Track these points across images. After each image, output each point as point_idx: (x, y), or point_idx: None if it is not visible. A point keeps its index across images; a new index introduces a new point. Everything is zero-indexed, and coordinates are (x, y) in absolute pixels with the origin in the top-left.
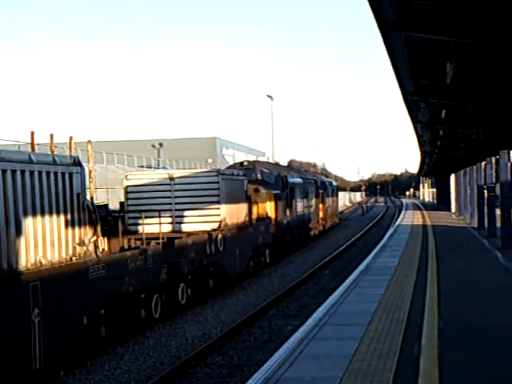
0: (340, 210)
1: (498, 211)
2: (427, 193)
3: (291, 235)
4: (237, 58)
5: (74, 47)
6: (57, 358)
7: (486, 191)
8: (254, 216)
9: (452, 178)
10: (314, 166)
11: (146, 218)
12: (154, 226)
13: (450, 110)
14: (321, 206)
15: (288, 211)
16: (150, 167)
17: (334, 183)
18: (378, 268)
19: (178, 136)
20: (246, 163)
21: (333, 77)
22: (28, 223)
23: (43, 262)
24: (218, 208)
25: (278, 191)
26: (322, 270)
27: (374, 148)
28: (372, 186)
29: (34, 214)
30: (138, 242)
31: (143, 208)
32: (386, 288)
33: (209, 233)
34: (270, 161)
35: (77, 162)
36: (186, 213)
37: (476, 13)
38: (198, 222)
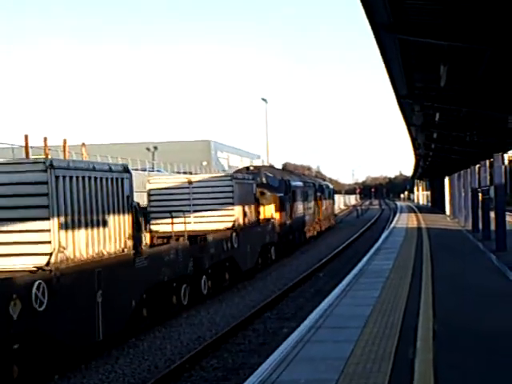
0: (335, 212)
1: (492, 214)
2: (422, 195)
3: (293, 235)
4: (231, 61)
5: (68, 48)
6: (112, 334)
7: (480, 194)
8: (261, 217)
9: (446, 180)
10: (309, 168)
11: (165, 218)
12: (173, 226)
13: (444, 112)
14: (319, 208)
15: (290, 213)
16: (145, 170)
17: (331, 186)
18: (373, 270)
19: (172, 139)
20: (251, 168)
21: (327, 80)
22: (92, 220)
23: (104, 252)
24: (232, 209)
25: (282, 194)
26: (317, 273)
27: (368, 151)
28: (366, 189)
29: (97, 213)
30: (160, 240)
31: (164, 209)
32: (381, 290)
33: (226, 231)
34: (265, 163)
35: (126, 170)
36: (203, 213)
37: (469, 16)
38: (214, 221)
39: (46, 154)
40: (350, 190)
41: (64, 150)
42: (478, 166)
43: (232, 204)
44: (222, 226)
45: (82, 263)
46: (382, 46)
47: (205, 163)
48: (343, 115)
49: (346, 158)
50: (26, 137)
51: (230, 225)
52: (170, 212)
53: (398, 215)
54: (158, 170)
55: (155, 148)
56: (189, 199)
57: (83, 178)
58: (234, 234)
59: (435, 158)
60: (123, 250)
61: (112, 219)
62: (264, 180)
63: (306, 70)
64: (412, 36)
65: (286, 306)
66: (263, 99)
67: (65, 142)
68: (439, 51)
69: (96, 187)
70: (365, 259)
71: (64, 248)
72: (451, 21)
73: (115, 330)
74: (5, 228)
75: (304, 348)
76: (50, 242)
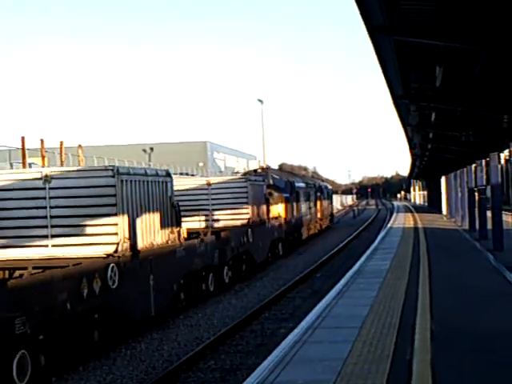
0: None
1: (489, 213)
2: (418, 195)
3: (298, 232)
4: (227, 62)
5: (64, 49)
6: (160, 312)
7: (476, 193)
8: (270, 215)
9: (443, 180)
10: (305, 169)
11: (188, 216)
12: (194, 223)
13: (440, 112)
14: (319, 207)
15: (295, 211)
16: None
17: (329, 187)
18: (370, 271)
19: (168, 140)
20: (259, 170)
21: (323, 80)
22: (145, 216)
23: (154, 243)
24: (247, 207)
25: (287, 194)
26: (314, 273)
27: (364, 151)
28: (363, 189)
29: (148, 210)
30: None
31: (186, 208)
32: (378, 291)
33: (243, 226)
34: (262, 164)
35: (168, 174)
36: (221, 212)
37: (465, 17)
38: (231, 219)
39: (43, 156)
40: (346, 191)
41: (61, 152)
42: (474, 165)
43: (247, 203)
44: (238, 223)
45: (140, 251)
46: (378, 48)
47: (201, 164)
48: (339, 116)
49: (343, 158)
50: (23, 139)
51: (245, 221)
52: (191, 211)
53: (394, 215)
54: None
55: (151, 149)
56: (208, 199)
57: (139, 181)
58: (250, 230)
59: (431, 157)
60: (167, 242)
61: (159, 216)
62: (271, 181)
63: (302, 71)
64: (407, 37)
65: (284, 307)
66: (259, 100)
67: (61, 143)
68: (435, 52)
69: (148, 189)
70: (362, 259)
71: (127, 239)
72: (446, 22)
73: (162, 309)
74: (80, 222)
75: (302, 349)
76: (117, 234)
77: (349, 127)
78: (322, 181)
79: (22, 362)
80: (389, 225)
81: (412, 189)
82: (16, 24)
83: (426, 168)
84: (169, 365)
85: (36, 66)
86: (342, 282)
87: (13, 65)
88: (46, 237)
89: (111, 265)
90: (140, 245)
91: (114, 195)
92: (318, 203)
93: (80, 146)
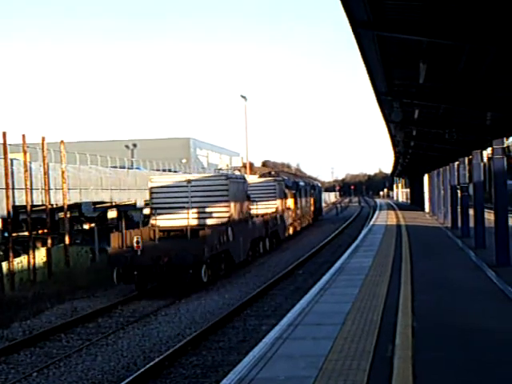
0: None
1: (471, 211)
2: (401, 193)
3: (300, 220)
4: (210, 58)
5: (45, 44)
6: (244, 259)
7: (459, 191)
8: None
9: (425, 178)
10: (288, 166)
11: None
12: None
13: (424, 109)
14: (312, 202)
15: (299, 205)
16: (124, 168)
17: (320, 185)
18: (353, 268)
19: (151, 136)
20: (273, 172)
21: (307, 77)
22: (237, 203)
23: (239, 217)
24: (274, 201)
25: (294, 191)
26: (297, 270)
27: (347, 148)
28: (346, 187)
29: (238, 199)
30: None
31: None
32: (361, 288)
33: (272, 214)
34: (245, 161)
35: (244, 178)
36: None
37: (448, 12)
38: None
39: (25, 152)
40: (329, 188)
41: (42, 148)
42: (457, 163)
43: (275, 198)
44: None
45: (236, 221)
46: (361, 43)
47: (184, 161)
48: (323, 113)
49: (326, 155)
50: (4, 134)
51: (273, 211)
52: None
53: (377, 213)
54: (137, 168)
55: (134, 145)
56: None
57: (236, 183)
58: (279, 216)
59: (414, 155)
60: (245, 217)
61: (241, 202)
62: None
63: (285, 67)
64: (391, 33)
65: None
66: (242, 96)
67: (43, 139)
68: (418, 48)
69: (238, 187)
70: (344, 256)
71: (232, 214)
72: (430, 17)
73: (244, 258)
74: (212, 205)
75: (283, 345)
76: (228, 212)
77: (332, 124)
78: (315, 180)
79: (204, 270)
80: (371, 222)
81: (395, 186)
82: None
83: (409, 166)
84: (150, 361)
85: (17, 60)
86: (325, 278)
87: None
88: (187, 214)
89: (229, 226)
90: (236, 218)
91: (227, 190)
92: (312, 198)
93: (62, 141)
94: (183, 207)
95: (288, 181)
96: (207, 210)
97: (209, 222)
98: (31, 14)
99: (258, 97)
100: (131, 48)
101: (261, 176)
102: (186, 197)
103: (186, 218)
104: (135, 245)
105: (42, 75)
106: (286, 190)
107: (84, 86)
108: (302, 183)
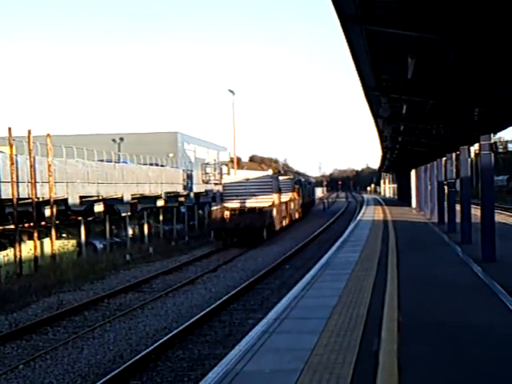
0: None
1: (457, 207)
2: (388, 188)
3: (303, 209)
4: (197, 53)
5: (35, 37)
6: (279, 228)
7: (446, 187)
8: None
9: (413, 173)
10: (276, 161)
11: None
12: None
13: (411, 105)
14: (308, 194)
15: (301, 197)
16: (110, 161)
17: (313, 180)
18: (339, 262)
19: (138, 130)
20: (282, 171)
21: (294, 72)
22: (281, 193)
23: (276, 202)
24: (290, 192)
25: (298, 186)
26: (283, 265)
27: (335, 143)
28: (333, 182)
29: (276, 192)
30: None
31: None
32: (347, 282)
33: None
34: (232, 156)
35: (277, 177)
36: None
37: (437, 7)
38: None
39: (11, 145)
40: (316, 183)
41: (29, 141)
42: (444, 159)
43: (290, 191)
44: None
45: (279, 204)
46: (349, 37)
47: (171, 155)
48: (310, 108)
49: (313, 150)
50: None
51: (289, 199)
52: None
53: (364, 208)
54: (124, 162)
55: (121, 139)
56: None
57: (276, 180)
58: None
59: (402, 150)
60: (280, 202)
61: (279, 193)
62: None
63: (273, 62)
64: (380, 27)
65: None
66: (230, 91)
67: (29, 132)
68: (407, 43)
69: (276, 183)
70: (331, 251)
71: (274, 201)
72: (420, 11)
73: (279, 228)
74: (258, 196)
75: (269, 339)
76: (272, 198)
77: (320, 119)
78: (309, 176)
79: (265, 232)
80: (358, 217)
81: (382, 182)
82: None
83: (397, 161)
84: (137, 354)
85: (4, 54)
86: (312, 273)
87: None
88: (245, 199)
89: (273, 209)
90: (277, 202)
91: (272, 185)
92: (308, 192)
93: (49, 135)
94: (244, 195)
95: (295, 178)
96: (259, 197)
97: (260, 204)
98: (31, 14)
99: (245, 92)
100: (120, 42)
101: (279, 174)
102: (245, 189)
103: (245, 202)
104: (225, 215)
105: (30, 68)
106: (295, 185)
107: (70, 80)
108: (302, 180)
